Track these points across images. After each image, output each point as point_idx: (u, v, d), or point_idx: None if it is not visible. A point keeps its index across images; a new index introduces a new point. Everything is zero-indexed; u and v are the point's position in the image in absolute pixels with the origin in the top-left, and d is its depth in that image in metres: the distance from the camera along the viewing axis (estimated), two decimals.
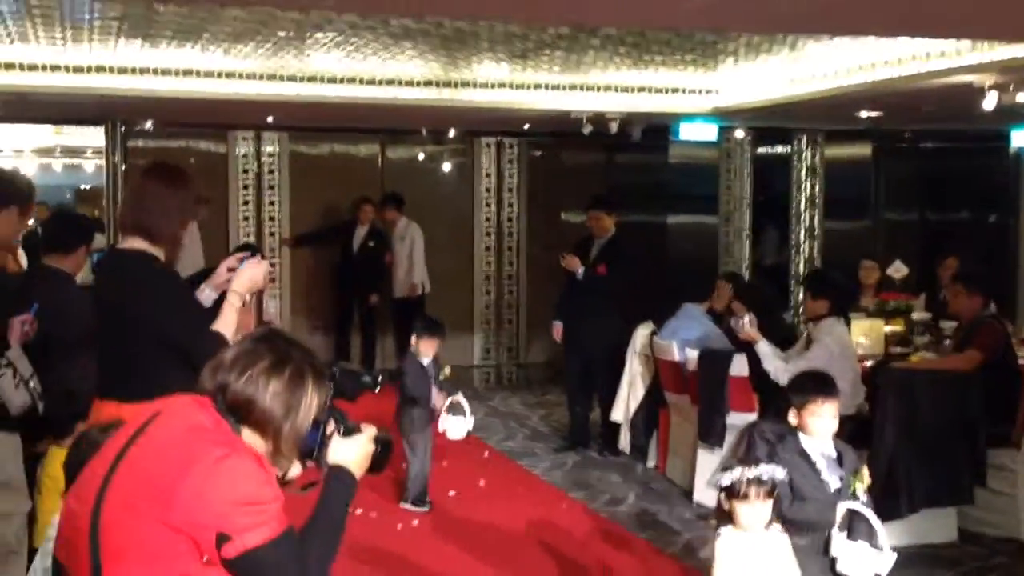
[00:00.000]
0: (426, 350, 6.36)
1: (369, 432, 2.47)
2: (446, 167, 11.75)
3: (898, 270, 7.46)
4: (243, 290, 3.46)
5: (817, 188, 10.87)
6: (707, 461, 6.54)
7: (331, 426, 2.42)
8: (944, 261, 8.30)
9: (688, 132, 9.76)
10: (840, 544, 3.64)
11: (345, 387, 2.61)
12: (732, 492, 3.40)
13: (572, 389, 8.12)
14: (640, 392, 7.47)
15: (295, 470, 2.43)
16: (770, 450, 6.05)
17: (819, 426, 3.86)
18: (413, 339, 6.40)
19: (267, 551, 2.14)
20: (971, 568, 5.47)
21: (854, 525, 3.64)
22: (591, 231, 7.85)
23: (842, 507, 3.66)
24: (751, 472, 3.40)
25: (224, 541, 2.11)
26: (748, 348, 6.35)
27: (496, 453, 7.92)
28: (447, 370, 6.45)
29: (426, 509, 6.32)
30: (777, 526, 3.50)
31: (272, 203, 10.89)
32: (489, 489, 6.90)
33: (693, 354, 6.60)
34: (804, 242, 10.91)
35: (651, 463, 7.45)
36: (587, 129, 9.16)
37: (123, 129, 10.45)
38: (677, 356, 6.79)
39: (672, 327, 7.03)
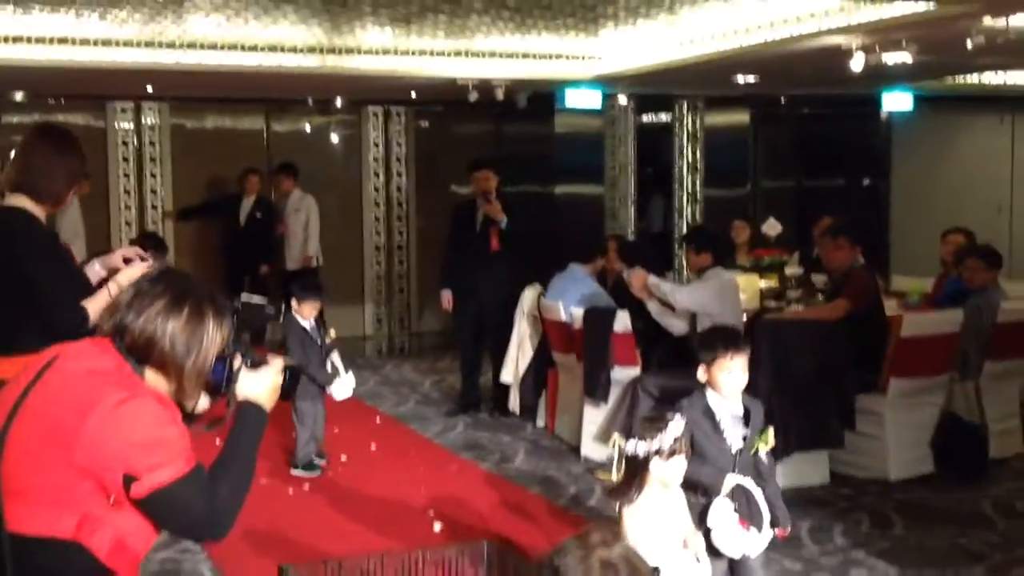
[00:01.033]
0: (306, 312, 6.34)
1: (276, 364, 2.46)
2: (333, 138, 11.68)
3: (772, 227, 7.72)
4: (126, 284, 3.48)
5: (698, 154, 11.14)
6: (593, 416, 6.70)
7: (238, 360, 2.41)
8: (819, 221, 8.60)
9: (573, 99, 9.89)
10: (718, 516, 3.56)
11: (249, 320, 2.61)
12: (663, 453, 3.32)
13: (464, 351, 8.19)
14: (529, 353, 7.58)
15: (203, 403, 2.44)
16: (654, 403, 6.31)
17: (729, 382, 3.73)
18: (293, 303, 6.36)
19: (175, 489, 2.14)
20: (841, 507, 5.72)
21: (744, 495, 3.60)
22: (477, 193, 7.88)
23: (731, 480, 3.60)
24: (678, 428, 3.34)
25: (131, 481, 2.12)
26: (637, 303, 6.52)
27: (388, 418, 7.95)
28: (332, 333, 6.43)
29: (317, 473, 6.33)
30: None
31: (154, 176, 10.69)
32: (380, 453, 6.93)
33: (578, 312, 6.74)
34: (687, 207, 11.17)
35: (541, 422, 7.58)
36: (473, 96, 9.22)
37: None
38: (563, 316, 6.92)
39: (558, 288, 7.16)
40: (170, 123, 10.78)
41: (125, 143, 10.61)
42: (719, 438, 3.69)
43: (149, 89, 9.86)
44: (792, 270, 7.22)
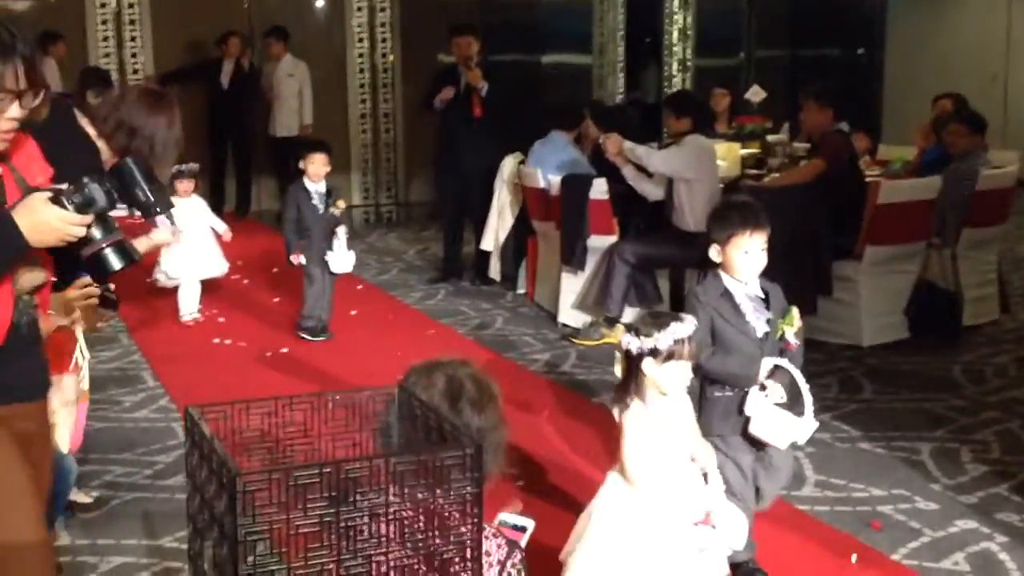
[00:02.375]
0: (315, 171, 6.15)
1: (66, 214, 2.07)
2: (315, 4, 11.42)
3: (756, 93, 7.59)
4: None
5: (689, 20, 10.89)
6: (570, 284, 6.71)
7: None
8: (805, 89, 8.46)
9: None
10: (756, 404, 3.25)
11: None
12: (658, 354, 2.92)
13: (447, 220, 8.14)
14: (509, 221, 7.56)
15: None
16: (630, 271, 6.31)
17: (747, 263, 3.33)
18: (301, 163, 6.21)
19: None
20: (813, 372, 5.67)
21: (777, 381, 3.29)
22: (459, 59, 7.74)
23: (767, 363, 3.28)
24: (684, 329, 2.92)
25: None
26: (615, 171, 6.46)
27: (370, 285, 7.98)
28: (340, 204, 6.24)
29: (324, 338, 6.33)
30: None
31: (134, 40, 10.49)
32: (360, 319, 6.97)
33: (556, 179, 6.68)
34: (677, 76, 10.99)
35: (520, 290, 7.60)
36: None
37: None
38: (541, 183, 6.86)
39: (538, 154, 7.09)
40: None
41: (104, 5, 10.38)
42: (742, 323, 3.31)
43: None
44: (774, 137, 7.13)
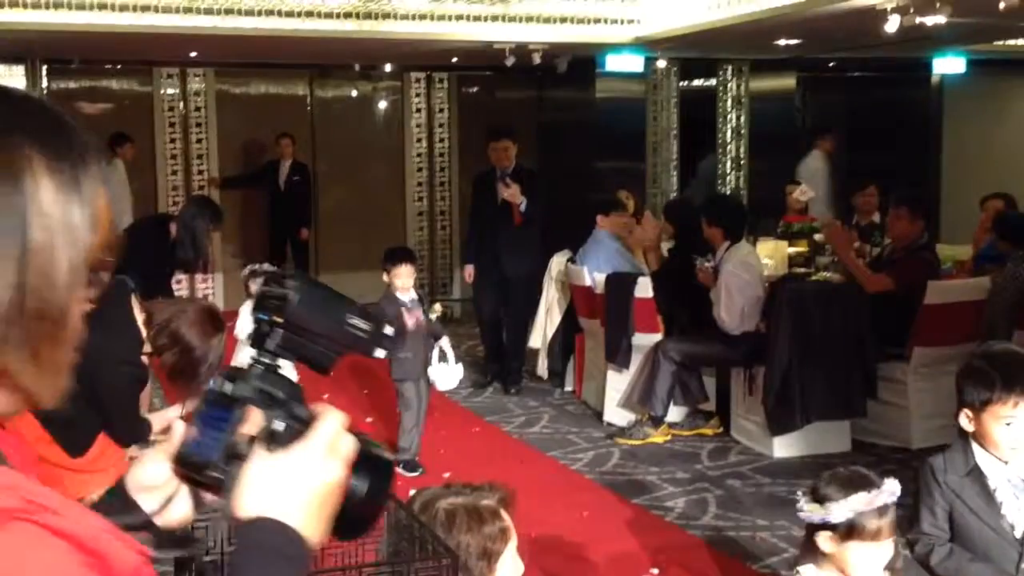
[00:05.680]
0: (403, 285, 5.59)
1: (330, 420, 1.13)
2: (376, 104, 11.73)
3: (804, 192, 7.59)
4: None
5: (743, 119, 10.97)
6: (616, 382, 6.69)
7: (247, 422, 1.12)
8: (863, 189, 8.31)
9: (614, 64, 9.82)
10: None
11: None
12: (836, 529, 2.41)
13: (485, 329, 8.06)
14: (557, 318, 7.58)
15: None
16: (676, 369, 6.25)
17: (1010, 438, 2.60)
18: (384, 276, 5.65)
19: None
20: None
21: None
22: (496, 163, 7.62)
23: None
24: (879, 498, 2.38)
25: None
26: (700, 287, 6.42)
27: None
28: (437, 308, 5.93)
29: (419, 473, 5.62)
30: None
31: (199, 141, 10.84)
32: None
33: (601, 277, 6.71)
34: (731, 174, 11.04)
35: (568, 387, 7.58)
36: (510, 61, 9.17)
37: (44, 68, 10.33)
38: (587, 281, 6.90)
39: (584, 252, 7.15)
40: (215, 89, 10.90)
41: (171, 108, 10.77)
42: (995, 517, 2.62)
43: (193, 55, 9.99)
44: (822, 236, 7.10)
